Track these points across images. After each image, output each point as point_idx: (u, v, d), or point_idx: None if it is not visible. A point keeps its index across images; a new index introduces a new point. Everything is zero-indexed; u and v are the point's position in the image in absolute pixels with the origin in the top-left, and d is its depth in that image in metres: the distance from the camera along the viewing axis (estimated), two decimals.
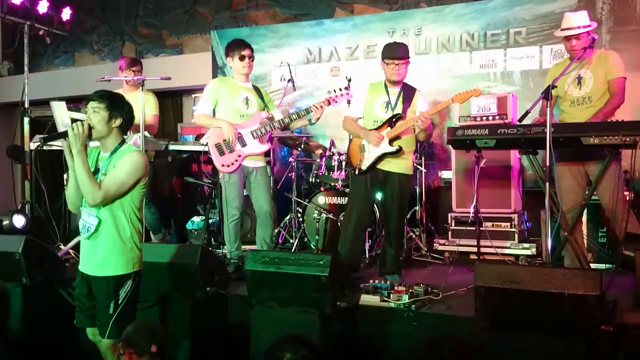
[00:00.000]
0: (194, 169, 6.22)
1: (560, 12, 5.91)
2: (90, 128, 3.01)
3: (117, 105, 3.09)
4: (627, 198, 4.06)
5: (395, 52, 4.38)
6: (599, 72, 4.09)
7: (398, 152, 4.33)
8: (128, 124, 3.17)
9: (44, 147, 5.01)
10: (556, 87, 3.72)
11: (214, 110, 4.66)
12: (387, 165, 4.39)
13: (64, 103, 4.75)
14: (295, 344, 3.08)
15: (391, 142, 4.33)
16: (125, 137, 3.24)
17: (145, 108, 5.28)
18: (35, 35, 5.95)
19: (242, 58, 4.64)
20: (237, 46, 4.65)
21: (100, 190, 2.97)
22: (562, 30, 4.16)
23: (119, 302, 3.06)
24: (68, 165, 3.05)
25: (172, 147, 5.19)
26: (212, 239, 5.80)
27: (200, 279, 3.74)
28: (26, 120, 5.22)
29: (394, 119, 4.34)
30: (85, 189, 2.98)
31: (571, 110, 4.21)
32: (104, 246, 3.05)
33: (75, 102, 5.32)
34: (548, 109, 3.57)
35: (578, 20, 4.10)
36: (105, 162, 3.09)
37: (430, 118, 4.25)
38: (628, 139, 3.53)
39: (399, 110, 4.38)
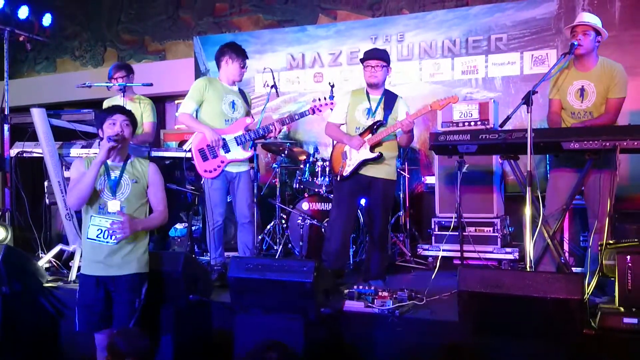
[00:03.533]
0: (176, 175, 6.18)
1: (541, 18, 6.01)
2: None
3: (135, 119, 3.51)
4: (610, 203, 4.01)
5: (370, 54, 4.44)
6: (602, 86, 3.99)
7: (379, 159, 4.34)
8: None
9: (24, 155, 4.95)
10: (537, 92, 3.72)
11: (197, 111, 4.62)
12: (371, 171, 4.39)
13: (44, 110, 4.70)
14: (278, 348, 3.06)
15: (373, 148, 4.34)
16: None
17: (143, 115, 5.28)
18: (16, 41, 5.89)
19: (243, 66, 4.67)
20: (241, 53, 4.66)
21: (164, 211, 3.47)
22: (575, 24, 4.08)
23: (142, 299, 3.38)
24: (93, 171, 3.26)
25: (154, 153, 5.15)
26: (195, 246, 5.76)
27: (183, 286, 3.70)
28: (6, 127, 5.15)
29: (375, 126, 4.36)
30: (158, 222, 3.51)
31: (573, 122, 4.07)
32: (130, 247, 3.34)
33: (56, 109, 5.27)
34: (529, 114, 3.58)
35: (591, 19, 4.04)
36: (122, 169, 3.38)
37: (413, 121, 4.26)
38: (608, 144, 3.56)
39: (380, 116, 4.39)
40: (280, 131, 4.68)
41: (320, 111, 4.73)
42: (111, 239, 3.27)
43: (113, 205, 3.30)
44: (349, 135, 4.44)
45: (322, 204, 5.49)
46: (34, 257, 4.84)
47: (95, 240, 3.30)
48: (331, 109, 4.74)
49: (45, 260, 4.76)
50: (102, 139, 3.38)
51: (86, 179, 3.22)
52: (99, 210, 3.31)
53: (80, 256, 3.92)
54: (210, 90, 4.58)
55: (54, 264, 4.84)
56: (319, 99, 4.77)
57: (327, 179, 5.45)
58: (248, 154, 4.67)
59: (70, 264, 4.69)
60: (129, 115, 3.42)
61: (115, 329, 3.24)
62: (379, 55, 4.42)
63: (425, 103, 4.35)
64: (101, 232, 3.29)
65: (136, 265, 3.37)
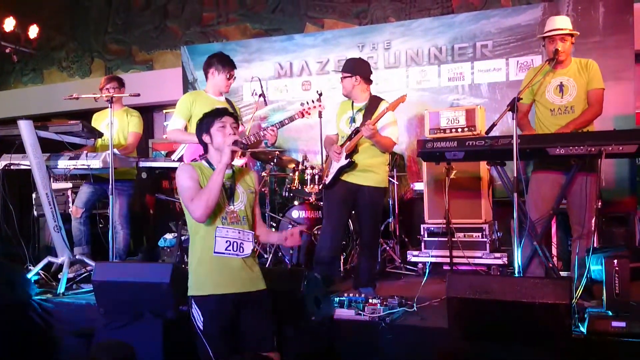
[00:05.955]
0: (164, 185, 6.17)
1: (525, 25, 6.07)
2: None
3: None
4: (595, 207, 4.02)
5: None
6: (582, 80, 4.02)
7: (350, 166, 4.35)
8: None
9: (12, 167, 4.92)
10: (522, 99, 3.75)
11: (186, 125, 4.62)
12: (358, 179, 4.40)
13: (31, 122, 4.68)
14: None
15: (350, 156, 4.35)
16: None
17: (129, 125, 5.28)
18: (2, 53, 5.87)
19: (230, 77, 4.64)
20: (227, 64, 4.63)
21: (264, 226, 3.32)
22: (548, 31, 4.10)
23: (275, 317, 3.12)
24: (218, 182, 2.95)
25: (142, 164, 5.13)
26: (185, 257, 5.73)
27: (172, 298, 3.69)
28: None
29: (353, 134, 4.37)
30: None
31: (553, 120, 4.08)
32: (254, 260, 3.10)
33: (44, 120, 5.24)
34: (514, 121, 3.62)
35: (564, 23, 4.09)
36: (232, 177, 3.12)
37: (375, 127, 4.19)
38: (593, 149, 3.59)
39: (358, 124, 4.40)
40: (276, 136, 4.67)
41: (310, 114, 4.76)
42: (242, 250, 3.00)
43: (234, 215, 3.03)
44: (331, 146, 4.50)
45: (312, 211, 5.49)
46: (23, 269, 4.80)
47: (224, 253, 2.97)
48: (319, 112, 4.77)
49: (33, 272, 4.73)
50: (205, 144, 3.14)
51: (214, 186, 2.89)
52: (222, 220, 3.00)
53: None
54: (197, 105, 4.56)
55: (43, 276, 4.81)
56: (307, 102, 4.81)
57: (316, 187, 5.46)
58: (240, 162, 4.67)
59: (59, 276, 4.67)
60: (236, 117, 3.16)
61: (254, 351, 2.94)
62: (343, 67, 4.51)
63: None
64: (230, 244, 2.97)
65: (264, 281, 3.10)
